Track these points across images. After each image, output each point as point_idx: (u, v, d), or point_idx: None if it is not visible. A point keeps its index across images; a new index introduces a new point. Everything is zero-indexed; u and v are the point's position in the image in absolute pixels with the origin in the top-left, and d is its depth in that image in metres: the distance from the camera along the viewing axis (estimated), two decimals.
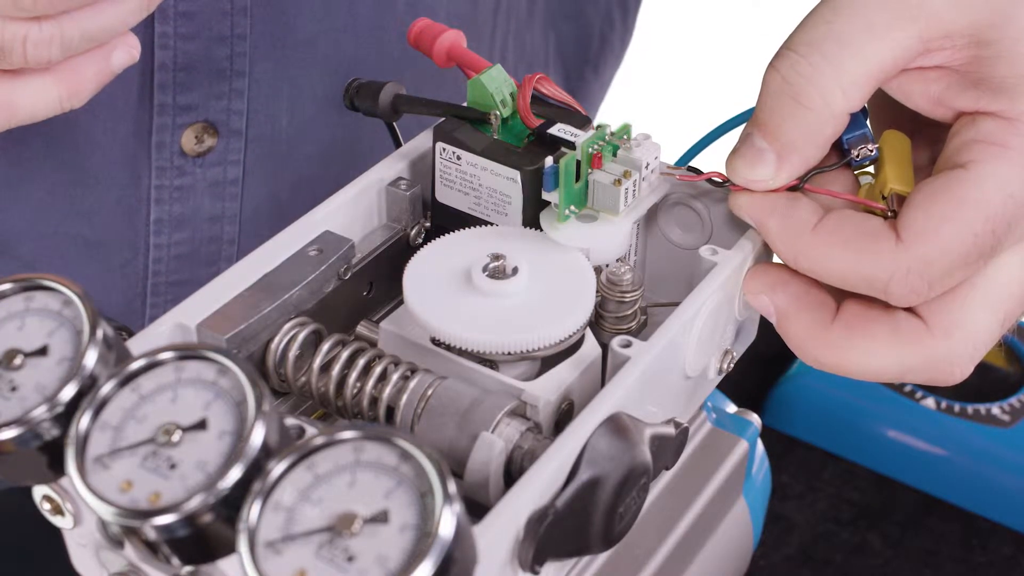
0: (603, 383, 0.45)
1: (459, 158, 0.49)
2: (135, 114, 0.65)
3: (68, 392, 0.37)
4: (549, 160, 0.47)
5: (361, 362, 0.44)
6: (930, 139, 0.49)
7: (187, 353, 0.37)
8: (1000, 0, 0.44)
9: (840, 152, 0.48)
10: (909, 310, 0.46)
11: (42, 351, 0.38)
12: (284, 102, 0.69)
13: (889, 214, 0.45)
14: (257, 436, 0.35)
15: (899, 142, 0.48)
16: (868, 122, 0.48)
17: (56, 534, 0.44)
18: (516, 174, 0.48)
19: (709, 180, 0.49)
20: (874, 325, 0.46)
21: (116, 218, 0.68)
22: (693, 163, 0.50)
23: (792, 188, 0.46)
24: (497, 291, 0.44)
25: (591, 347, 0.45)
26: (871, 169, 0.48)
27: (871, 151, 0.47)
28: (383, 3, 0.68)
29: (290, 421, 0.40)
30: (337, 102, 0.70)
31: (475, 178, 0.49)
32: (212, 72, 0.65)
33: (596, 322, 0.48)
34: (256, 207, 0.70)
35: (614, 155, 0.48)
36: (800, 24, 0.45)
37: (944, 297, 0.45)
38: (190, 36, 0.64)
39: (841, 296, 0.47)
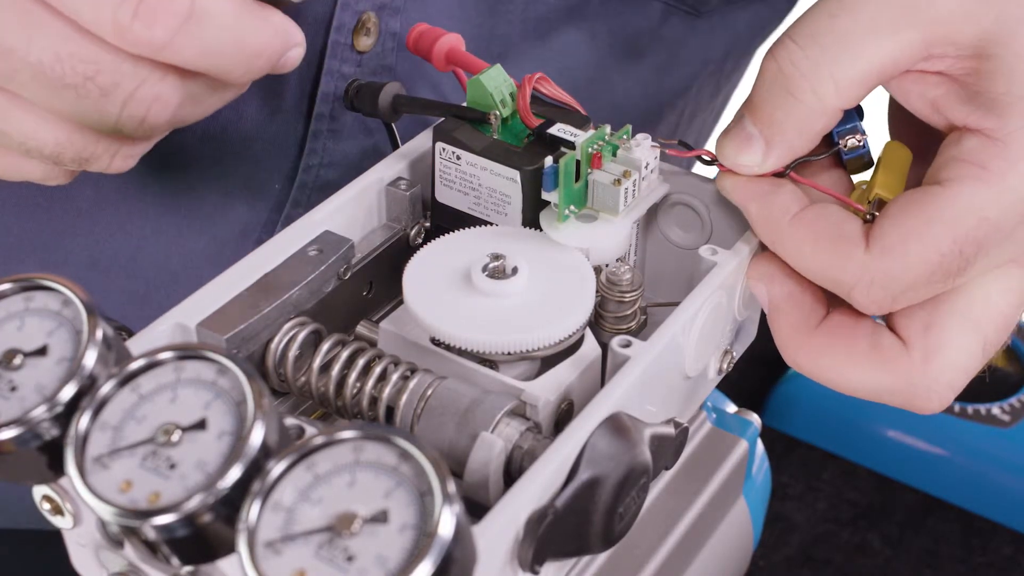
0: (603, 383, 0.45)
1: (459, 158, 0.49)
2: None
3: (68, 392, 0.37)
4: (549, 160, 0.47)
5: (361, 362, 0.44)
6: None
7: (186, 353, 0.37)
8: (1010, 15, 0.43)
9: (830, 143, 0.47)
10: (892, 330, 0.46)
11: (42, 351, 0.38)
12: None
13: (868, 217, 0.45)
14: (256, 436, 0.35)
15: (899, 152, 0.48)
16: (862, 121, 0.47)
17: (56, 534, 0.44)
18: (516, 174, 0.48)
19: (699, 157, 0.49)
20: (855, 339, 0.46)
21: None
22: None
23: (778, 174, 0.46)
24: (497, 291, 0.44)
25: (591, 347, 0.45)
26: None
27: (859, 142, 0.47)
28: None
29: (290, 421, 0.40)
30: None
31: (475, 178, 0.49)
32: None
33: (596, 322, 0.48)
34: None
35: (614, 155, 0.48)
36: (805, 13, 0.45)
37: (923, 320, 0.45)
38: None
39: (835, 301, 0.47)
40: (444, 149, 0.49)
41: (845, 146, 0.47)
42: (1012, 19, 0.43)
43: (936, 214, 0.43)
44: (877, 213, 0.45)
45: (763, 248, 0.48)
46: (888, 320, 0.46)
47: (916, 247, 0.43)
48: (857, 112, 0.47)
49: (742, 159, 0.46)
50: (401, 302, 0.45)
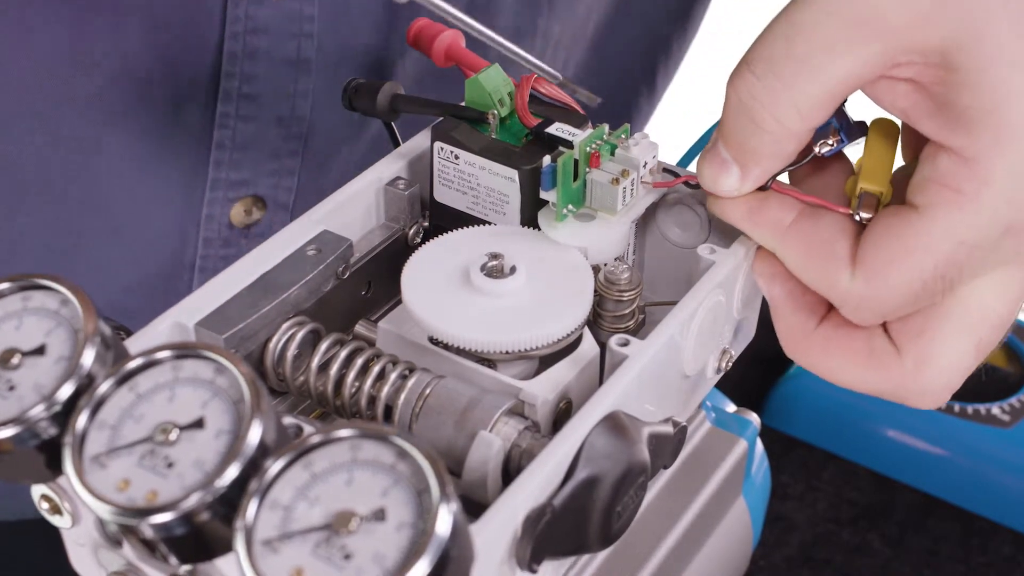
0: (601, 382, 0.45)
1: (457, 157, 0.49)
2: (189, 189, 0.66)
3: (65, 391, 0.37)
4: (547, 159, 0.47)
5: (359, 361, 0.44)
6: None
7: (184, 352, 0.37)
8: (972, 16, 0.41)
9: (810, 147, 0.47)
10: (887, 332, 0.46)
11: (40, 350, 0.38)
12: (332, 176, 0.69)
13: (857, 217, 0.45)
14: (254, 434, 0.35)
15: (885, 132, 0.47)
16: (841, 109, 0.47)
17: (55, 534, 0.44)
18: (514, 173, 0.48)
19: (685, 183, 0.49)
20: (850, 343, 0.46)
21: (158, 288, 0.68)
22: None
23: (761, 188, 0.46)
24: (495, 290, 0.44)
25: (589, 346, 0.45)
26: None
27: (831, 144, 0.47)
28: (429, 84, 0.68)
29: (288, 420, 0.40)
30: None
31: (473, 177, 0.49)
32: (267, 151, 0.66)
33: (594, 321, 0.48)
34: None
35: (612, 154, 0.48)
36: (759, 36, 0.44)
37: (917, 327, 0.45)
38: (250, 117, 0.64)
39: None
40: (442, 149, 0.49)
41: (820, 152, 0.47)
42: (976, 21, 0.41)
43: (914, 242, 0.43)
44: (865, 214, 0.45)
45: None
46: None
47: (897, 275, 0.43)
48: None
49: (721, 185, 0.46)
50: (400, 302, 0.45)
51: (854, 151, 0.49)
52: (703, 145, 0.50)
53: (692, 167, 0.50)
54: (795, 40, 0.42)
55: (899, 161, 0.48)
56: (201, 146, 0.65)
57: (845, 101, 0.46)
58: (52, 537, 0.44)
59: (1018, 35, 0.41)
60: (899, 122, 0.47)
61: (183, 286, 0.69)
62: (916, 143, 0.45)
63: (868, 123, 0.47)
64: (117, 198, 0.65)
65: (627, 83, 0.83)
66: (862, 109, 0.47)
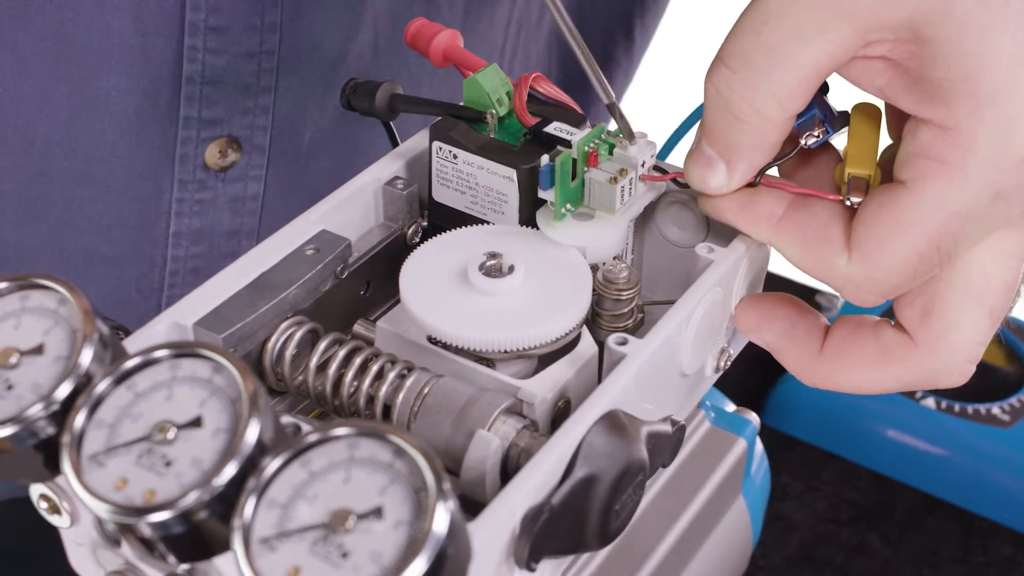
0: (600, 381, 0.45)
1: (456, 157, 0.49)
2: (161, 127, 0.66)
3: (63, 390, 0.37)
4: (545, 158, 0.47)
5: (358, 361, 0.44)
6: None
7: (182, 351, 0.37)
8: None
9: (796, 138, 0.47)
10: (897, 325, 0.46)
11: (38, 350, 0.38)
12: (308, 119, 0.69)
13: (847, 202, 0.45)
14: (251, 433, 0.35)
15: (868, 116, 0.47)
16: (826, 94, 0.47)
17: (54, 533, 0.44)
18: (512, 173, 0.48)
19: (674, 180, 0.49)
20: (861, 350, 0.46)
21: (135, 232, 0.68)
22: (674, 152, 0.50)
23: (750, 184, 0.46)
24: (493, 289, 0.45)
25: (588, 345, 0.45)
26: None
27: (817, 136, 0.47)
28: (404, 21, 0.68)
29: (286, 419, 0.40)
30: (357, 117, 0.70)
31: (472, 177, 0.49)
32: (238, 87, 0.65)
33: (593, 320, 0.48)
34: (273, 223, 0.70)
35: (610, 153, 0.48)
36: (731, 31, 0.44)
37: (921, 307, 0.45)
38: (218, 51, 0.64)
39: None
40: (441, 148, 0.49)
41: (806, 144, 0.47)
42: None
43: (906, 219, 0.43)
44: (855, 198, 0.45)
45: (756, 255, 0.48)
46: (892, 305, 0.46)
47: (892, 253, 0.43)
48: (821, 89, 0.46)
49: (709, 183, 0.46)
50: (398, 301, 0.45)
51: (841, 142, 0.49)
52: (683, 133, 0.50)
53: (672, 158, 0.50)
54: (765, 32, 0.42)
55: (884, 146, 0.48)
56: (173, 83, 0.64)
57: (827, 91, 0.46)
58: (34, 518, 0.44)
59: (984, 2, 0.41)
60: (881, 105, 0.47)
61: (160, 232, 0.69)
62: (900, 121, 0.45)
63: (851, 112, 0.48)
64: (85, 136, 0.64)
65: (602, 28, 0.83)
66: (844, 96, 0.48)
